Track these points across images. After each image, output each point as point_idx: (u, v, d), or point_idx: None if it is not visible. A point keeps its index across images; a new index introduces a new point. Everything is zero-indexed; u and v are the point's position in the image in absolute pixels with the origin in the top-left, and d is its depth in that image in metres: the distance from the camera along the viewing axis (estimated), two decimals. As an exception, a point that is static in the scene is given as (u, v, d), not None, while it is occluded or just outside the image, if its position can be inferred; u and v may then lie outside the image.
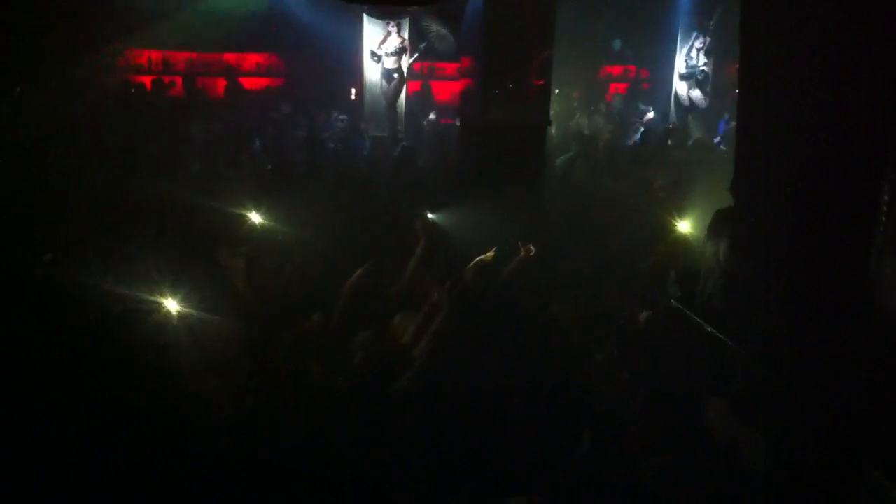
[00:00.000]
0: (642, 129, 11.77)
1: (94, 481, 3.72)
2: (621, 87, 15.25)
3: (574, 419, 4.13)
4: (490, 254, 5.72)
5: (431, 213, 7.17)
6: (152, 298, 4.94)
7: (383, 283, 5.83)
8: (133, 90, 12.00)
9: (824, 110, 4.02)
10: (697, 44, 12.86)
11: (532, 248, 5.74)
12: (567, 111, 13.16)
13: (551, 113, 8.40)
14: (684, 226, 6.86)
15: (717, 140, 12.20)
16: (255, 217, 6.72)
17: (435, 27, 12.55)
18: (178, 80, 12.65)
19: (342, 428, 4.21)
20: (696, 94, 12.98)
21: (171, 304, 4.96)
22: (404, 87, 12.24)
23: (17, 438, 3.80)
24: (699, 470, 3.70)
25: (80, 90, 10.31)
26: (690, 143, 11.20)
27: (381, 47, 12.07)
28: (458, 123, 9.64)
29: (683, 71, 13.05)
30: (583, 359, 4.75)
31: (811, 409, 3.90)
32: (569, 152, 9.44)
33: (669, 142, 10.87)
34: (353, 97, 12.89)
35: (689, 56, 12.95)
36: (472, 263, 5.65)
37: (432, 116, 12.04)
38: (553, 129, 9.88)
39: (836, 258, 4.03)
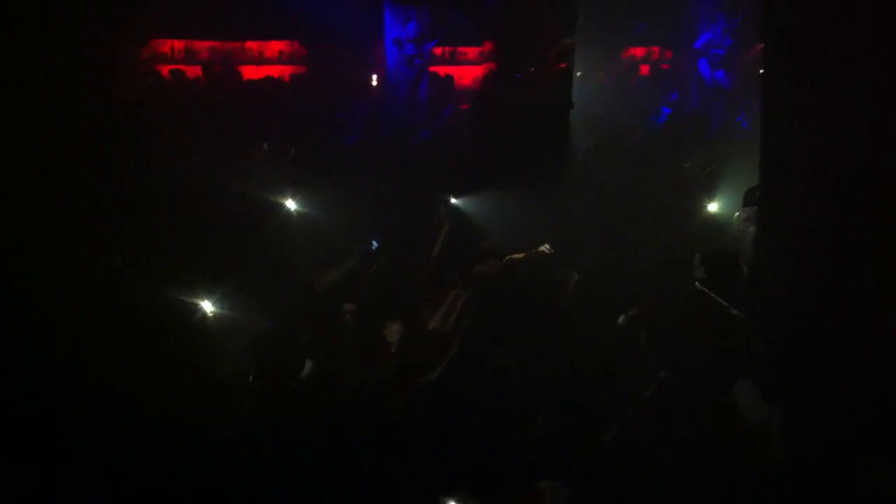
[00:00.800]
0: (665, 112, 11.68)
1: (107, 476, 3.78)
2: (644, 68, 15.10)
3: (600, 406, 4.15)
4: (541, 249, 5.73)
5: (454, 199, 7.18)
6: (188, 296, 5.04)
7: (406, 271, 5.86)
8: (150, 80, 11.95)
9: (851, 96, 3.98)
10: (720, 22, 12.70)
11: (549, 247, 5.75)
12: (589, 94, 13.05)
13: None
14: (712, 207, 6.82)
15: (739, 119, 12.08)
16: (291, 205, 6.77)
17: (456, 12, 12.51)
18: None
19: (367, 419, 4.25)
20: (720, 75, 12.83)
21: (206, 304, 5.06)
22: (426, 72, 12.21)
23: (34, 433, 3.86)
24: (725, 453, 3.71)
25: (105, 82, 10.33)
26: (715, 126, 11.09)
27: (401, 32, 12.04)
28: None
29: (705, 51, 12.89)
30: (606, 340, 4.77)
31: (834, 395, 3.89)
32: (594, 140, 9.40)
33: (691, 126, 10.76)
34: (374, 83, 12.87)
35: (716, 37, 12.78)
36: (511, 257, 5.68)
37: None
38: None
39: (862, 245, 4.00)
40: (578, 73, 11.60)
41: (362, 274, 5.81)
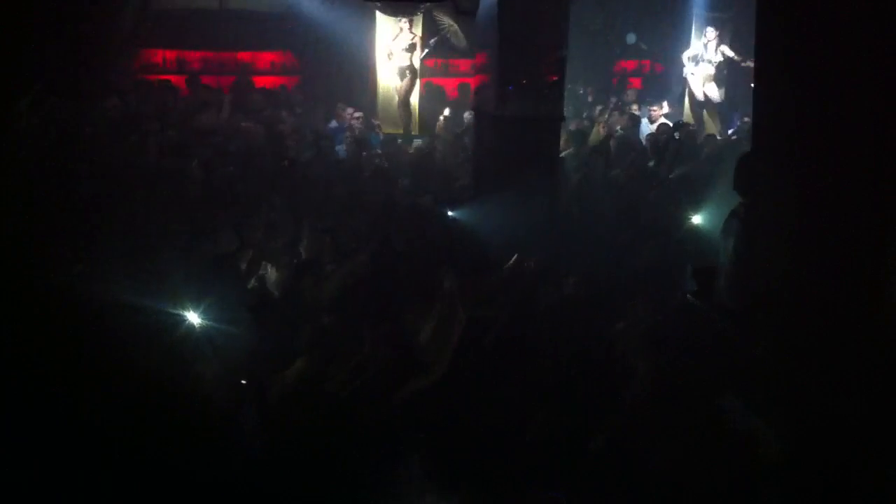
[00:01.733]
0: (652, 123, 11.73)
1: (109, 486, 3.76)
2: (636, 81, 15.19)
3: (596, 412, 4.14)
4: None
5: (450, 209, 7.21)
6: (176, 310, 5.02)
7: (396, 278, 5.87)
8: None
9: (845, 106, 3.99)
10: (710, 35, 12.76)
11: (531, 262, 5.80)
12: (580, 106, 13.11)
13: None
14: (697, 219, 6.83)
15: (730, 132, 12.13)
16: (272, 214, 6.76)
17: (447, 22, 12.55)
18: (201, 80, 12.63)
19: (351, 428, 4.24)
20: (711, 88, 12.88)
21: (194, 317, 5.05)
22: (417, 83, 12.24)
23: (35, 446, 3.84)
24: (714, 461, 3.71)
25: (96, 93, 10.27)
26: (702, 138, 11.11)
27: (393, 43, 12.07)
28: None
29: (691, 64, 12.96)
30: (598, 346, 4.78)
31: (822, 403, 3.89)
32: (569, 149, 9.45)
33: (676, 135, 10.77)
34: (366, 94, 12.88)
35: (704, 49, 12.85)
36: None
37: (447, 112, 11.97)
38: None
39: (849, 257, 4.01)
40: (569, 86, 11.68)
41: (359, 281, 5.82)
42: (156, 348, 4.66)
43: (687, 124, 11.55)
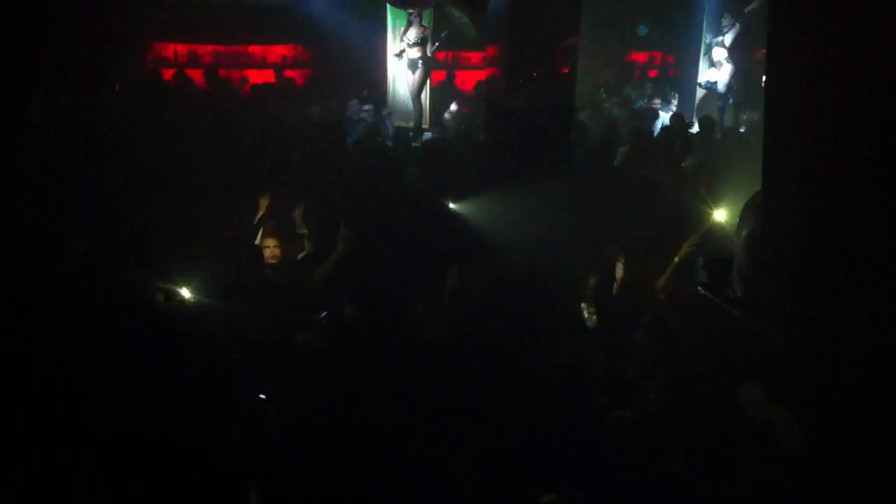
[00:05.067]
0: (665, 116, 11.67)
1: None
2: (649, 73, 15.11)
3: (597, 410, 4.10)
4: None
5: (455, 202, 7.19)
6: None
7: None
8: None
9: (858, 99, 3.95)
10: (724, 25, 12.69)
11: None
12: (592, 99, 13.06)
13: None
14: (715, 213, 6.81)
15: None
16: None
17: (457, 15, 12.51)
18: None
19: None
20: (723, 80, 12.80)
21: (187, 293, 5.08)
22: (428, 76, 12.20)
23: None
24: (732, 455, 3.68)
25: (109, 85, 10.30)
26: (718, 131, 11.04)
27: (403, 36, 12.03)
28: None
29: (709, 56, 12.90)
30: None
31: (841, 395, 3.86)
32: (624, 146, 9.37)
33: (695, 129, 10.74)
34: (377, 87, 12.86)
35: (715, 40, 12.79)
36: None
37: (453, 107, 11.90)
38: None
39: (865, 250, 3.97)
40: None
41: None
42: (147, 326, 4.62)
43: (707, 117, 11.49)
